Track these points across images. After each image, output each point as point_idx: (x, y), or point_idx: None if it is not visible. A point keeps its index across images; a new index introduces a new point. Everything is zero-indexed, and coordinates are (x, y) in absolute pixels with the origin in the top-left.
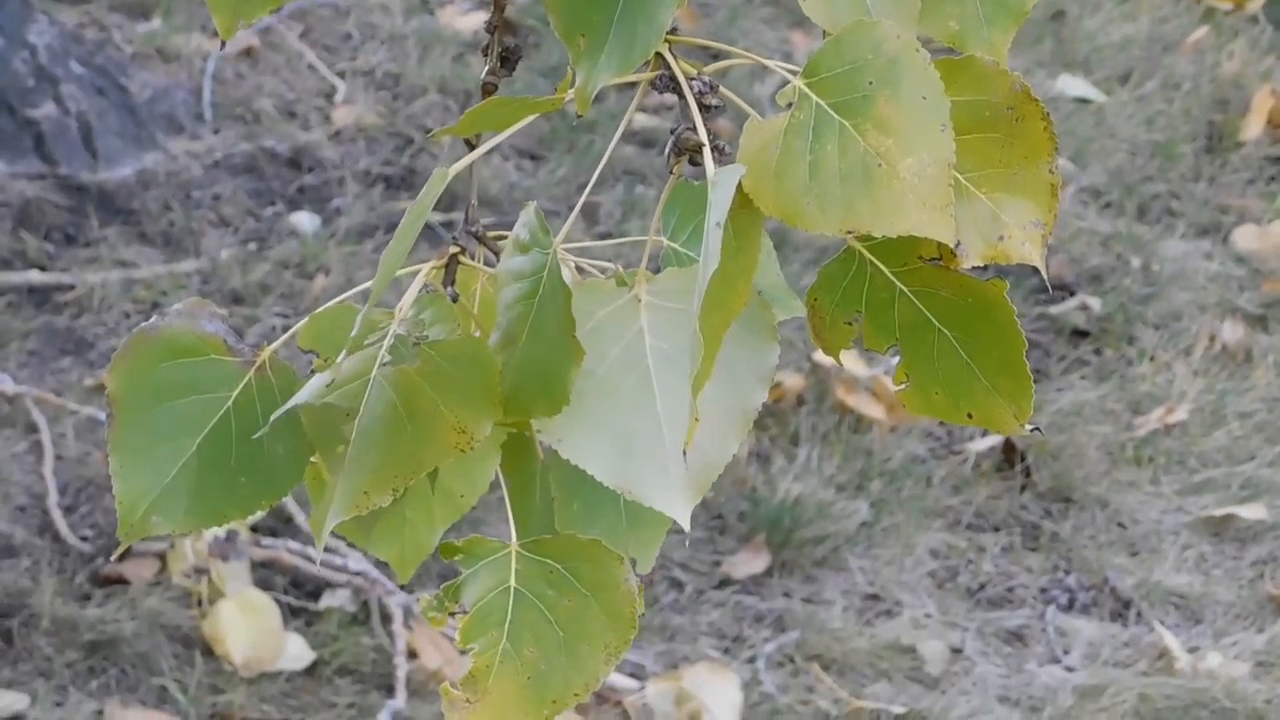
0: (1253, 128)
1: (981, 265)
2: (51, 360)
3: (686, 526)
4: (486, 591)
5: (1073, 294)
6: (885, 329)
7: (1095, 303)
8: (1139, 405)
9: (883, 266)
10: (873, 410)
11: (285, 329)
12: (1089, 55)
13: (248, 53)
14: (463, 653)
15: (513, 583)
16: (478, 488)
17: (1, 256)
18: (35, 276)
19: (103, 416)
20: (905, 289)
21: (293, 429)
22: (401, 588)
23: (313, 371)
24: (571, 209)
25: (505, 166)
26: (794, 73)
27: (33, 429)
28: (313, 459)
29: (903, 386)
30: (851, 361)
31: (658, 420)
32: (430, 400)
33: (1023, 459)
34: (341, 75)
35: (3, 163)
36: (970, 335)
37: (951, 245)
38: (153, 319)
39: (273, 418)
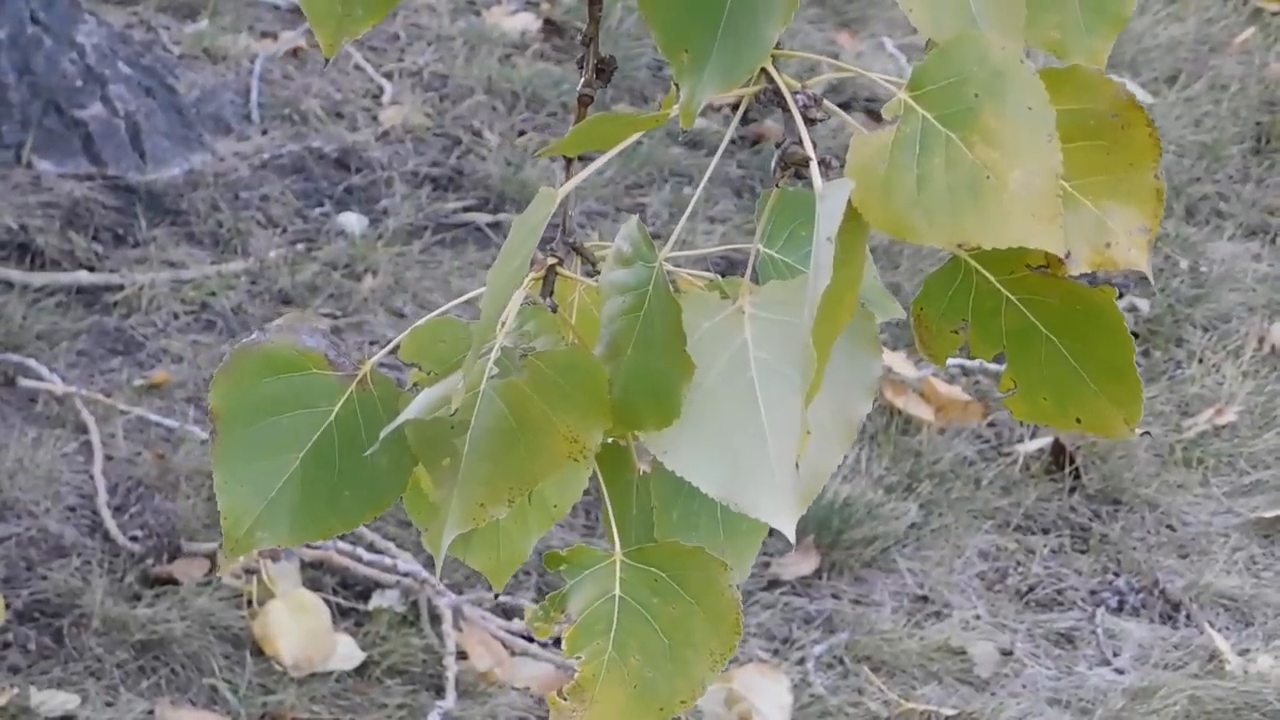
0: None
1: (1089, 272)
2: (101, 360)
3: (792, 538)
4: (592, 600)
5: (1121, 295)
6: (992, 337)
7: (1144, 304)
8: (1188, 407)
9: (989, 275)
10: (921, 411)
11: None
12: (1136, 56)
13: (295, 53)
14: (567, 660)
15: (617, 591)
16: (572, 496)
17: (50, 257)
18: (84, 277)
19: (152, 416)
20: (1012, 297)
21: (396, 441)
22: (456, 586)
23: (414, 385)
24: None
25: (553, 167)
26: (898, 86)
27: (82, 429)
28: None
29: (1010, 393)
30: (900, 363)
31: (763, 431)
32: (541, 411)
33: (1072, 461)
34: (389, 76)
35: (51, 163)
36: (1078, 341)
37: (1061, 256)
38: (254, 334)
39: (383, 433)
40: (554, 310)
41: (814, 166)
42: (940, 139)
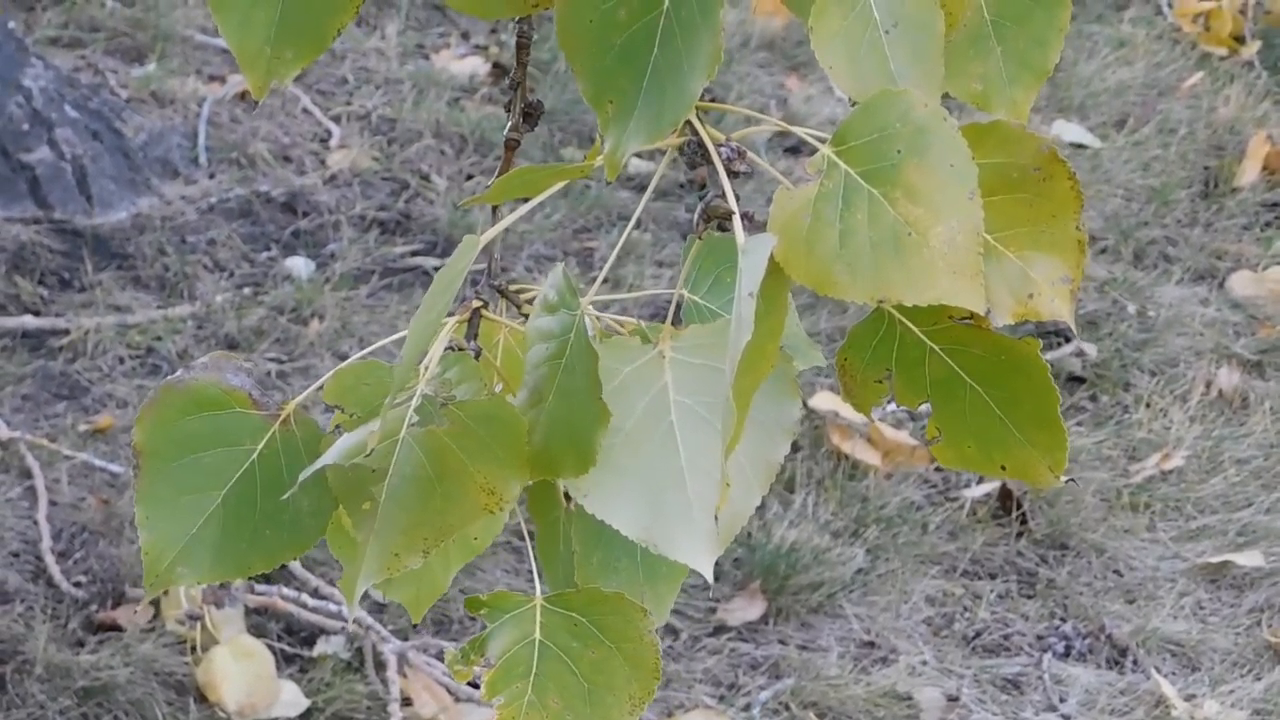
0: (1248, 173)
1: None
2: (46, 405)
3: (710, 579)
4: (512, 644)
5: (1068, 340)
6: (916, 386)
7: (1091, 349)
8: (1135, 451)
9: (913, 326)
10: (868, 456)
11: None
12: (1084, 100)
13: (242, 97)
14: (489, 704)
15: (538, 635)
16: (492, 530)
17: None
18: (29, 321)
19: (96, 461)
20: (936, 347)
21: (318, 483)
22: (400, 632)
23: (337, 427)
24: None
25: (501, 210)
26: (822, 140)
27: (27, 474)
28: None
29: (935, 440)
30: (846, 407)
31: (682, 474)
32: (459, 462)
33: (1019, 506)
34: (337, 119)
35: None
36: (1003, 391)
37: (981, 312)
38: (179, 372)
39: (301, 477)
40: (478, 355)
41: (736, 221)
42: (863, 195)
